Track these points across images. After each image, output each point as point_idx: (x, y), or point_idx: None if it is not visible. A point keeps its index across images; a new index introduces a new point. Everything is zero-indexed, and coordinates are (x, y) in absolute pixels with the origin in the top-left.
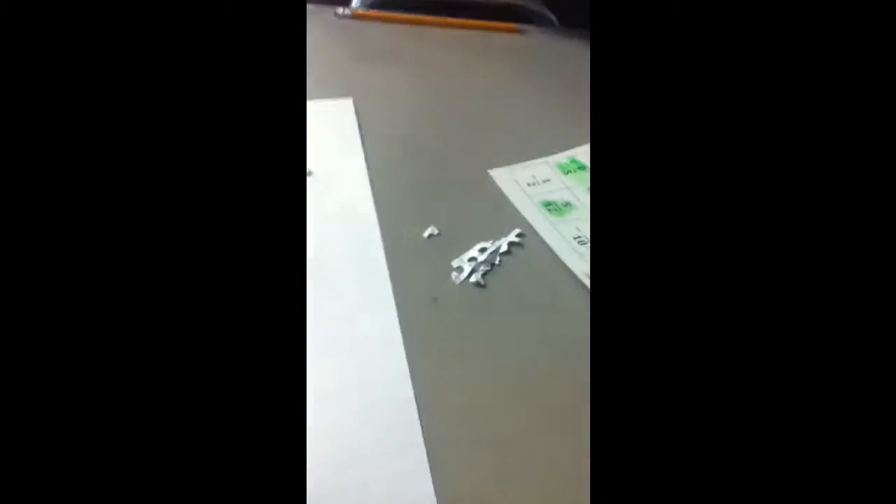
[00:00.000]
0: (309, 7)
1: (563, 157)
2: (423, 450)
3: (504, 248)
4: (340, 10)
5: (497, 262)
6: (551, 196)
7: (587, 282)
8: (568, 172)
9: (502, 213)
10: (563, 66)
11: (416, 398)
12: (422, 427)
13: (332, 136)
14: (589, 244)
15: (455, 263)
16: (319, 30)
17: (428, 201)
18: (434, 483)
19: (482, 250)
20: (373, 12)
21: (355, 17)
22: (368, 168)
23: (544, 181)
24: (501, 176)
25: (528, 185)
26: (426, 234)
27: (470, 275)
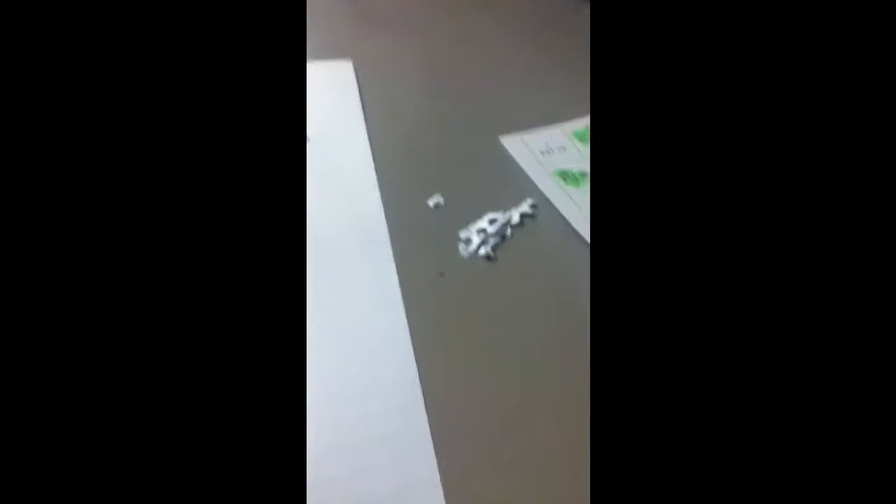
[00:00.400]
0: None
1: (579, 123)
2: (428, 433)
3: (516, 219)
4: None
5: (508, 233)
6: (567, 165)
7: None
8: (584, 140)
9: (514, 182)
10: (579, 30)
11: (420, 378)
12: (426, 409)
13: (330, 99)
14: None
15: (463, 235)
16: None
17: (434, 169)
18: (439, 468)
19: (492, 221)
20: None
21: None
22: (369, 133)
23: (559, 149)
24: (513, 143)
25: (542, 153)
26: (432, 203)
27: (479, 247)
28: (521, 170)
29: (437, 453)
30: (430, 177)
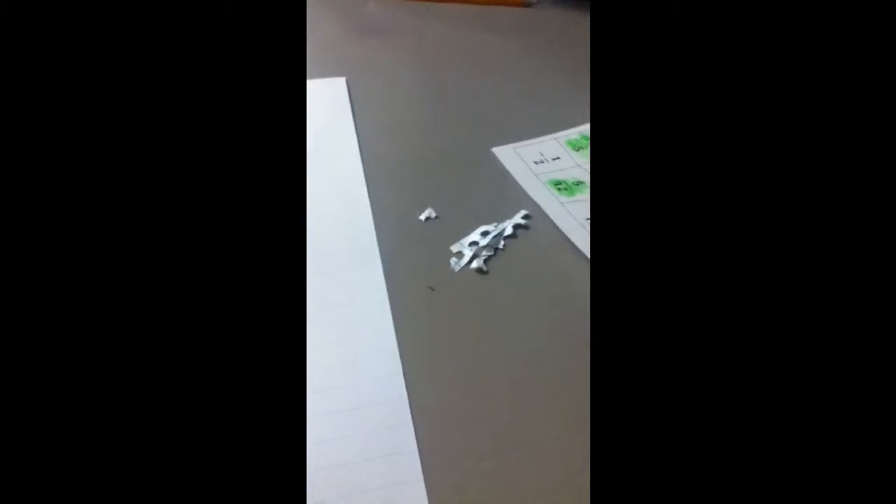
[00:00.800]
0: None
1: (573, 133)
2: (417, 456)
3: (509, 230)
4: None
5: (501, 245)
6: (561, 174)
7: None
8: (579, 149)
9: (507, 193)
10: (573, 40)
11: (409, 398)
12: (415, 430)
13: (323, 115)
14: None
15: (454, 248)
16: (315, 5)
17: (425, 182)
18: (427, 493)
19: (484, 234)
20: None
21: None
22: (361, 148)
23: (553, 159)
24: (506, 154)
25: (536, 163)
26: (423, 216)
27: (471, 260)
28: (514, 181)
29: (425, 474)
30: (422, 190)
